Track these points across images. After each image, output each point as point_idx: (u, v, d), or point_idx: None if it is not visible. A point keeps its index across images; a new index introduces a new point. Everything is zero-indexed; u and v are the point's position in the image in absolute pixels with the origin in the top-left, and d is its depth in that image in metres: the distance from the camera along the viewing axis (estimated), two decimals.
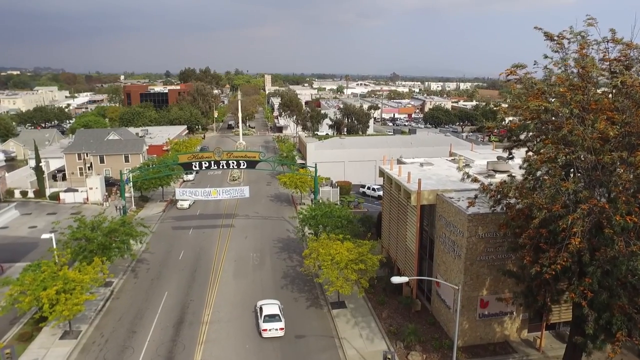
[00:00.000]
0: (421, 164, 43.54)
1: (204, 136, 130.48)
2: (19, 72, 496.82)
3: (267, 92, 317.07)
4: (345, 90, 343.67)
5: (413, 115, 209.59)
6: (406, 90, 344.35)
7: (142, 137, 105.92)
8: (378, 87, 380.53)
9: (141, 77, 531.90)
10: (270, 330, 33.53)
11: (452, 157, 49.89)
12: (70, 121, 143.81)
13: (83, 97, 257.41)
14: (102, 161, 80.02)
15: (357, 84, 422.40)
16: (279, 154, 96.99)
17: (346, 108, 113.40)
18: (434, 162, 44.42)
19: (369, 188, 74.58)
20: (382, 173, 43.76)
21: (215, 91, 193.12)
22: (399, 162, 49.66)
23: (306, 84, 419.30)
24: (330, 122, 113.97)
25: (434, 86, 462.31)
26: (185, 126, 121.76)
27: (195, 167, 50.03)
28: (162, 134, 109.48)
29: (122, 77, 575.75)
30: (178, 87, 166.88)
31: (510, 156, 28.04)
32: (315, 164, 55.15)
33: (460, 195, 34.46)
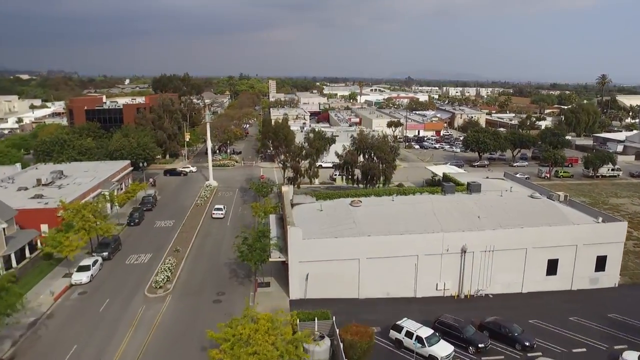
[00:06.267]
0: None
1: (154, 181, 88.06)
2: (13, 76, 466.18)
3: (270, 99, 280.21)
4: (358, 98, 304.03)
5: (442, 132, 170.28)
6: (425, 97, 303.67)
7: (48, 184, 69.19)
8: (395, 94, 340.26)
9: (148, 81, 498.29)
10: (216, 213, 68.12)
11: None
12: None
13: (55, 108, 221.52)
14: None
15: (371, 90, 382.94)
16: (252, 224, 59.23)
17: (361, 139, 73.81)
18: None
19: (411, 336, 35.95)
20: None
21: (197, 101, 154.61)
22: None
23: (315, 90, 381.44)
24: (337, 160, 75.15)
25: (452, 91, 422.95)
26: (129, 161, 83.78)
27: None
28: (86, 179, 72.22)
29: (126, 81, 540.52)
30: (142, 101, 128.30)
31: None
32: None
33: None
